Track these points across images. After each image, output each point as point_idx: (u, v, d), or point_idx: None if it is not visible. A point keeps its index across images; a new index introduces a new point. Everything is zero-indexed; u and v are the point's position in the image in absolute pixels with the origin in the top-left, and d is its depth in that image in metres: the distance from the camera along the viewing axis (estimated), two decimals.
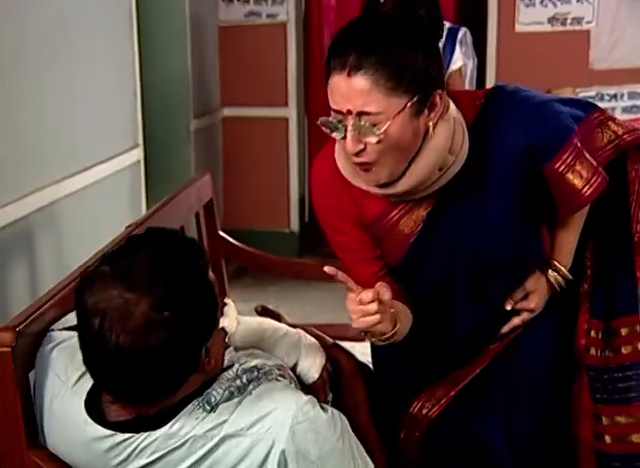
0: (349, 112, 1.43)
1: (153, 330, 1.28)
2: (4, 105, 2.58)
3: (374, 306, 1.43)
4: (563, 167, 1.54)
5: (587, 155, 1.56)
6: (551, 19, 4.88)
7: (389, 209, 1.61)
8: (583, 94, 4.86)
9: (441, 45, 4.18)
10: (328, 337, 1.82)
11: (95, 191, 3.25)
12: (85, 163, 3.17)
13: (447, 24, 3.94)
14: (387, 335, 1.52)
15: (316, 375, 1.59)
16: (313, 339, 1.64)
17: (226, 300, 1.45)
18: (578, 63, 4.86)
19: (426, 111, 1.48)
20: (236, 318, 1.45)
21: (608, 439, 1.72)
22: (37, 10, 2.77)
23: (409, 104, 1.44)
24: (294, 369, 1.59)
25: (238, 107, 5.11)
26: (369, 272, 1.66)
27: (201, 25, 4.67)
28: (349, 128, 1.45)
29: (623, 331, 1.72)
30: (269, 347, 1.58)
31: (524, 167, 1.55)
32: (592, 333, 1.73)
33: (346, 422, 1.47)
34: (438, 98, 1.48)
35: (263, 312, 1.88)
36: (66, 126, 3.04)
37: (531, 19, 4.87)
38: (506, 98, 1.59)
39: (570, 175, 1.55)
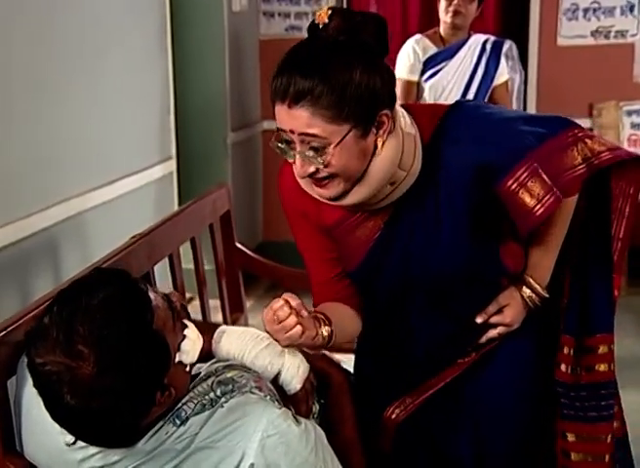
0: (292, 132, 1.46)
1: (99, 394, 1.30)
2: (36, 116, 2.64)
3: (292, 319, 1.47)
4: (515, 185, 1.51)
5: (544, 175, 1.52)
6: (594, 33, 4.82)
7: (347, 215, 1.64)
8: (627, 107, 4.78)
9: (485, 59, 4.18)
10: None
11: (124, 203, 3.29)
12: (114, 175, 3.21)
13: (491, 38, 3.93)
14: (319, 342, 1.56)
15: (298, 386, 1.58)
16: (297, 351, 1.63)
17: (186, 332, 1.44)
18: (621, 77, 4.78)
19: (374, 130, 1.49)
20: (195, 347, 1.45)
21: (574, 456, 1.71)
22: (72, 23, 2.83)
23: (351, 131, 1.45)
24: (276, 379, 1.59)
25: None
26: (330, 274, 1.71)
27: (241, 39, 4.72)
28: (297, 154, 1.48)
29: (600, 350, 1.69)
30: (252, 357, 1.58)
31: (477, 185, 1.54)
32: (565, 350, 1.70)
33: (322, 435, 1.47)
34: (385, 118, 1.49)
35: None
36: (97, 138, 3.09)
37: (573, 33, 4.82)
38: (464, 116, 1.58)
39: (522, 194, 1.52)
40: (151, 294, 1.38)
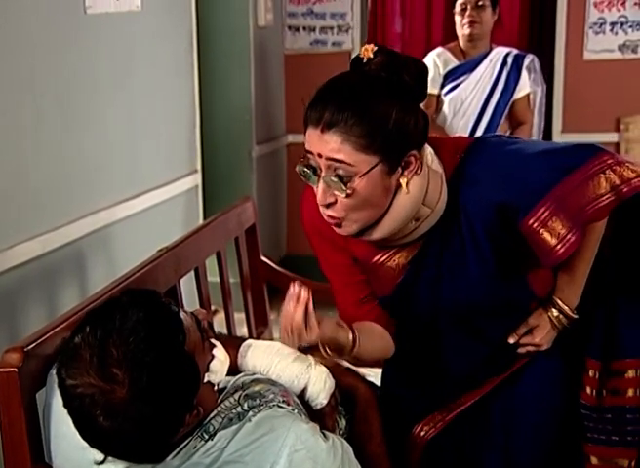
0: (320, 156, 1.46)
1: (132, 417, 1.30)
2: (64, 130, 2.66)
3: (298, 311, 1.47)
4: (536, 224, 1.51)
5: (565, 213, 1.50)
6: (622, 47, 4.79)
7: (373, 252, 1.65)
8: None
9: (506, 72, 4.16)
10: (347, 364, 1.82)
11: (150, 216, 3.31)
12: (140, 188, 3.23)
13: (513, 51, 3.92)
14: (343, 341, 1.58)
15: (324, 402, 1.59)
16: (323, 367, 1.63)
17: (214, 351, 1.44)
18: None
19: (400, 169, 1.49)
20: (223, 366, 1.45)
21: None
22: (100, 39, 2.86)
23: (379, 165, 1.46)
24: (302, 394, 1.59)
25: (303, 134, 5.16)
26: (355, 297, 1.72)
27: (266, 53, 4.74)
28: (321, 180, 1.48)
29: (629, 374, 1.67)
30: (279, 371, 1.58)
31: (498, 223, 1.54)
32: (590, 373, 1.70)
33: (350, 451, 1.47)
34: (413, 158, 1.49)
35: None
36: (122, 151, 3.11)
37: (600, 47, 4.79)
38: (484, 154, 1.58)
39: (543, 233, 1.51)
40: (182, 315, 1.38)
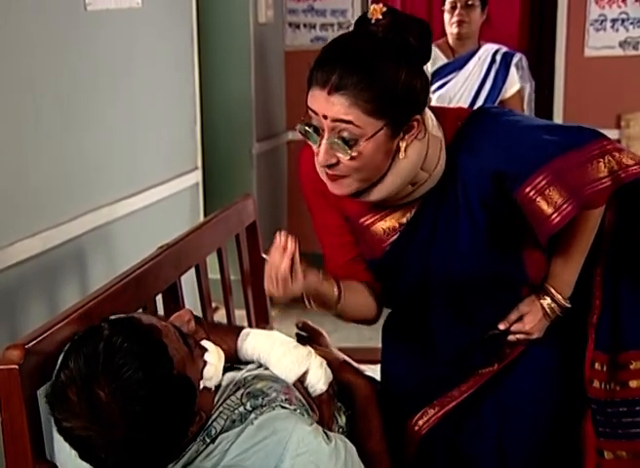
0: (325, 117, 1.44)
1: (135, 448, 1.30)
2: (64, 128, 2.66)
3: (285, 261, 1.47)
4: (533, 192, 1.49)
5: (563, 184, 1.49)
6: (623, 43, 4.78)
7: (365, 212, 1.64)
8: None
9: (494, 70, 4.11)
10: (348, 360, 1.81)
11: (151, 213, 3.31)
12: (141, 185, 3.23)
13: (502, 49, 3.91)
14: (328, 293, 1.60)
15: (324, 388, 1.57)
16: (322, 358, 1.62)
17: (206, 356, 1.42)
18: None
19: (402, 133, 1.49)
20: (218, 369, 1.44)
21: None
22: (100, 36, 2.86)
23: (384, 128, 1.45)
24: (302, 379, 1.56)
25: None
26: (344, 257, 1.72)
27: (266, 50, 4.74)
28: (324, 141, 1.46)
29: (633, 365, 1.66)
30: (280, 355, 1.56)
31: (495, 192, 1.54)
32: (597, 366, 1.68)
33: (353, 451, 1.46)
34: (415, 123, 1.49)
35: (304, 328, 1.87)
36: (123, 149, 3.11)
37: (601, 44, 4.79)
38: (485, 122, 1.58)
39: (539, 202, 1.49)
40: (165, 340, 1.35)
